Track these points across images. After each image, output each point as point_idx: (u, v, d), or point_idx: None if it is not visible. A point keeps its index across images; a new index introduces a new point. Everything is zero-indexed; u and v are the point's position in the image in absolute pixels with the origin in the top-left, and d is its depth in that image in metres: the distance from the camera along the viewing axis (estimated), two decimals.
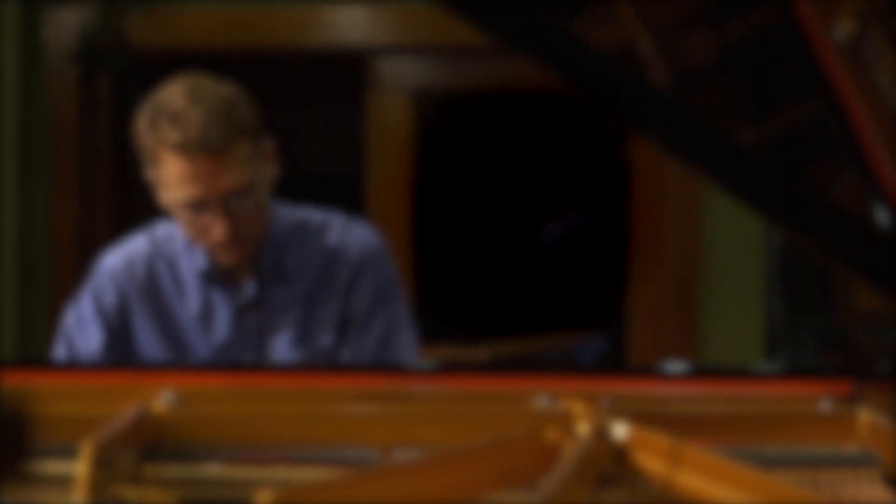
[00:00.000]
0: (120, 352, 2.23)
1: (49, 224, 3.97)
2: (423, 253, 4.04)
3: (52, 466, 1.57)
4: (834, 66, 1.64)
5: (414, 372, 1.82)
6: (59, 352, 2.25)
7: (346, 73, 4.15)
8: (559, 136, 5.28)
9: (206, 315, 2.24)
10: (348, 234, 2.28)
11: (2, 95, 3.86)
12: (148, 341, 2.23)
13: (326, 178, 4.97)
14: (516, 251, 5.22)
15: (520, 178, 5.30)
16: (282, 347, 2.22)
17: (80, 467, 1.42)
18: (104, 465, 1.44)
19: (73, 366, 2.09)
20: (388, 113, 4.09)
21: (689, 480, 1.48)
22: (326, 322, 2.23)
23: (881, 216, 1.68)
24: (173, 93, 2.11)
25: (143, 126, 2.12)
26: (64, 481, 1.50)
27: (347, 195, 4.17)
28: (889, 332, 3.56)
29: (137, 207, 4.25)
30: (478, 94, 4.15)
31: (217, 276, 2.23)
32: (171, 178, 2.09)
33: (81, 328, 2.25)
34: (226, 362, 2.19)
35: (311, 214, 2.31)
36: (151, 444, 1.59)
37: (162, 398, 1.67)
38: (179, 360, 2.20)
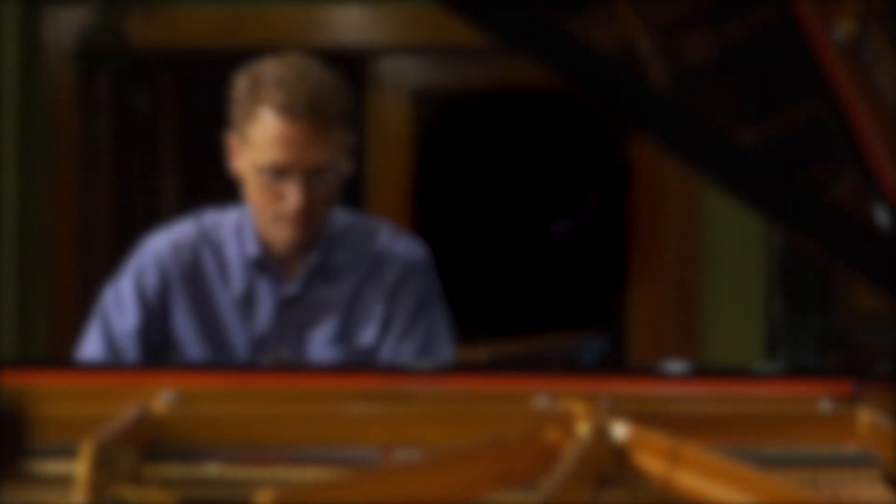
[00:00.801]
0: (156, 335, 2.22)
1: (49, 224, 3.97)
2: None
3: (52, 466, 1.57)
4: (834, 66, 1.64)
5: (414, 372, 1.82)
6: (93, 331, 2.24)
7: (345, 73, 4.15)
8: (559, 136, 5.28)
9: (249, 302, 2.23)
10: (396, 241, 2.30)
11: (2, 95, 3.86)
12: (185, 327, 2.22)
13: None
14: (516, 251, 5.22)
15: (519, 178, 5.30)
16: (321, 343, 2.22)
17: (80, 467, 1.42)
18: (104, 465, 1.44)
19: (73, 366, 2.08)
20: (388, 113, 4.09)
21: (688, 480, 1.48)
22: (369, 322, 2.23)
23: (881, 216, 1.68)
24: (280, 63, 2.14)
25: (243, 85, 2.14)
26: (64, 481, 1.50)
27: (347, 195, 4.18)
28: (889, 332, 3.56)
29: (137, 207, 4.26)
30: (478, 94, 4.15)
31: (267, 265, 2.22)
32: (265, 138, 2.10)
33: (120, 307, 2.24)
34: (226, 362, 2.19)
35: (361, 218, 2.34)
36: (151, 444, 1.59)
37: (162, 398, 1.67)
38: (181, 361, 2.20)
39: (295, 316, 2.23)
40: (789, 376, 1.77)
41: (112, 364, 2.13)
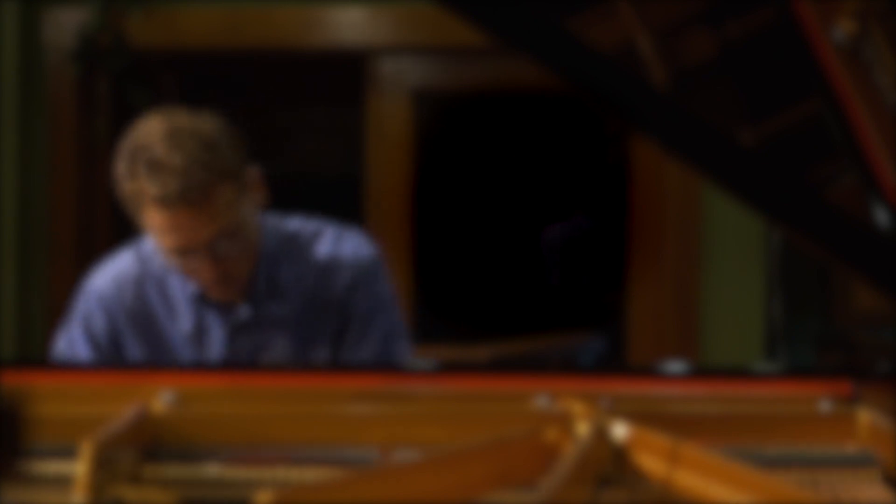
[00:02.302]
0: None
1: (49, 224, 3.97)
2: (423, 253, 4.04)
3: (52, 466, 1.57)
4: (833, 66, 1.64)
5: (414, 372, 1.82)
6: None
7: (346, 73, 4.15)
8: (559, 136, 5.28)
9: (199, 335, 2.22)
10: (341, 246, 2.24)
11: (2, 95, 3.86)
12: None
13: (326, 178, 4.97)
14: (516, 251, 5.22)
15: (519, 178, 5.30)
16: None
17: (80, 467, 1.42)
18: (104, 466, 1.44)
19: (73, 366, 2.08)
20: (388, 113, 4.09)
21: (688, 480, 1.48)
22: (322, 337, 2.21)
23: (881, 216, 1.68)
24: (151, 136, 2.06)
25: (123, 173, 2.08)
26: (64, 481, 1.50)
27: (347, 195, 4.18)
28: (889, 332, 3.56)
29: None
30: (478, 94, 4.15)
31: (210, 300, 2.20)
32: (154, 227, 2.06)
33: (73, 352, 2.24)
34: (225, 362, 2.18)
35: (302, 226, 2.27)
36: (151, 444, 1.59)
37: (162, 398, 1.67)
38: (179, 361, 2.20)
39: (246, 341, 2.21)
40: (789, 376, 1.77)
41: (112, 364, 2.13)
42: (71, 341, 2.25)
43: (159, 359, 2.20)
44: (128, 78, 4.00)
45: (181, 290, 2.22)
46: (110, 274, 2.26)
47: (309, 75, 4.59)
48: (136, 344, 2.22)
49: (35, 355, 3.84)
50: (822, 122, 1.69)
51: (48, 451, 1.59)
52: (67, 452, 1.54)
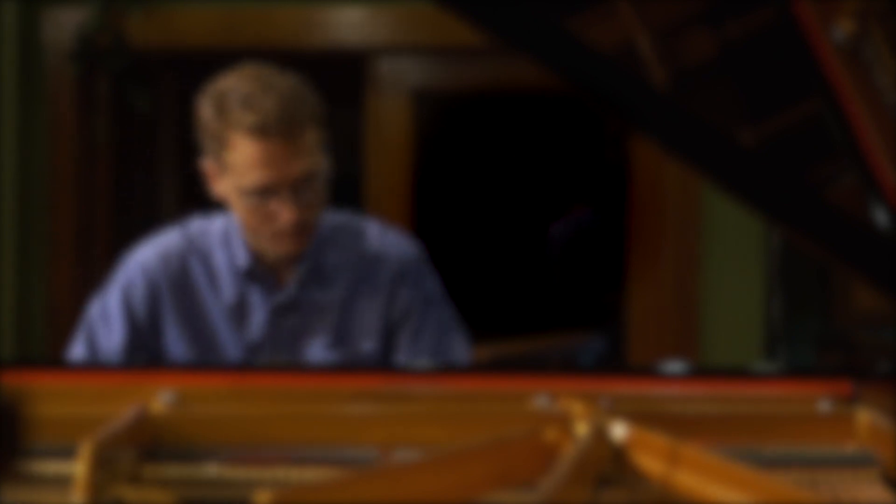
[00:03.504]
0: (143, 351, 2.18)
1: (48, 224, 3.97)
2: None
3: (52, 466, 1.57)
4: (833, 66, 1.64)
5: (414, 372, 1.82)
6: (78, 346, 2.21)
7: (345, 73, 4.15)
8: (559, 136, 5.28)
9: (241, 312, 2.20)
10: (387, 239, 2.26)
11: (2, 95, 3.86)
12: (176, 338, 2.19)
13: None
14: (516, 251, 5.22)
15: (519, 178, 5.30)
16: (317, 350, 2.19)
17: (79, 467, 1.42)
18: (104, 466, 1.44)
19: (73, 366, 2.08)
20: (388, 113, 4.09)
21: (688, 480, 1.48)
22: (366, 327, 2.20)
23: (881, 216, 1.68)
24: (240, 79, 2.08)
25: (209, 111, 2.08)
26: (64, 481, 1.50)
27: (347, 195, 4.17)
28: (889, 332, 3.56)
29: (137, 207, 4.25)
30: (478, 94, 4.15)
31: (258, 274, 2.19)
32: (243, 162, 2.05)
33: (106, 322, 2.20)
34: (225, 362, 2.18)
35: (349, 218, 2.29)
36: (151, 444, 1.59)
37: (161, 398, 1.67)
38: (178, 361, 2.19)
39: (288, 323, 2.20)
40: (788, 376, 1.76)
41: (112, 364, 2.12)
42: (106, 309, 2.20)
43: (197, 337, 2.18)
44: (128, 78, 4.00)
45: (226, 264, 2.20)
46: (155, 248, 2.24)
47: (309, 75, 4.59)
48: (173, 319, 2.19)
49: (35, 355, 3.84)
50: (822, 122, 1.69)
51: (48, 451, 1.59)
52: (67, 452, 1.54)
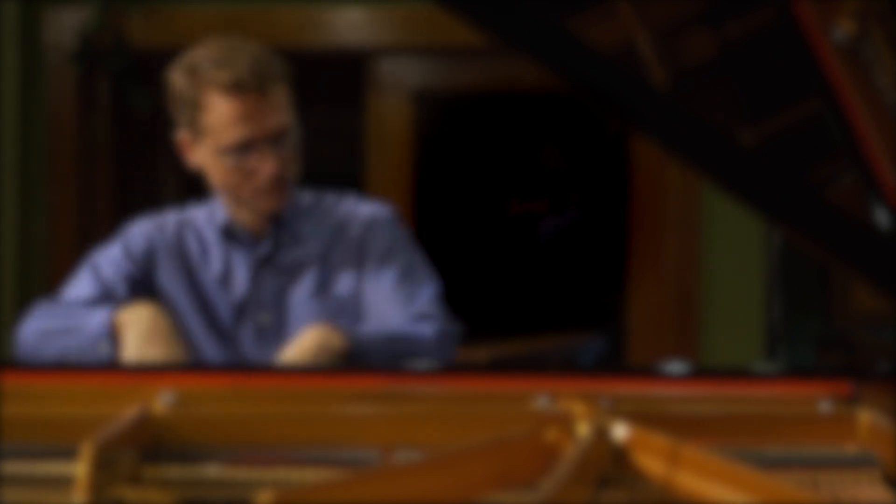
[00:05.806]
0: (143, 290, 2.29)
1: (49, 224, 3.97)
2: (422, 253, 4.04)
3: (52, 467, 1.57)
4: (833, 66, 1.64)
5: (414, 372, 1.82)
6: (84, 277, 2.32)
7: (346, 73, 4.15)
8: (559, 136, 5.28)
9: (227, 274, 2.30)
10: (360, 204, 2.37)
11: (2, 95, 3.86)
12: (176, 298, 2.28)
13: (326, 178, 4.97)
14: (516, 251, 5.22)
15: (519, 178, 5.30)
16: (301, 300, 2.27)
17: (80, 468, 1.42)
18: (104, 466, 1.44)
19: (73, 366, 2.08)
20: (388, 113, 4.09)
21: (688, 481, 1.48)
22: (342, 275, 2.28)
23: (881, 216, 1.68)
24: (208, 47, 2.18)
25: (181, 79, 2.18)
26: (64, 481, 1.50)
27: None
28: (889, 332, 3.56)
29: (137, 207, 4.25)
30: (478, 94, 4.15)
31: (236, 234, 2.29)
32: (220, 121, 2.14)
33: (109, 259, 2.32)
34: (225, 363, 2.19)
35: (327, 195, 2.40)
36: (151, 444, 1.59)
37: (162, 398, 1.67)
38: (178, 362, 2.20)
39: (271, 279, 2.29)
40: (789, 377, 1.76)
41: (112, 364, 2.13)
42: (108, 252, 2.33)
43: (194, 297, 2.29)
44: (128, 78, 4.00)
45: (213, 232, 2.32)
46: (153, 219, 2.38)
47: (309, 75, 4.59)
48: (172, 281, 2.30)
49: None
50: (822, 122, 1.69)
51: (48, 451, 1.59)
52: (67, 452, 1.54)
